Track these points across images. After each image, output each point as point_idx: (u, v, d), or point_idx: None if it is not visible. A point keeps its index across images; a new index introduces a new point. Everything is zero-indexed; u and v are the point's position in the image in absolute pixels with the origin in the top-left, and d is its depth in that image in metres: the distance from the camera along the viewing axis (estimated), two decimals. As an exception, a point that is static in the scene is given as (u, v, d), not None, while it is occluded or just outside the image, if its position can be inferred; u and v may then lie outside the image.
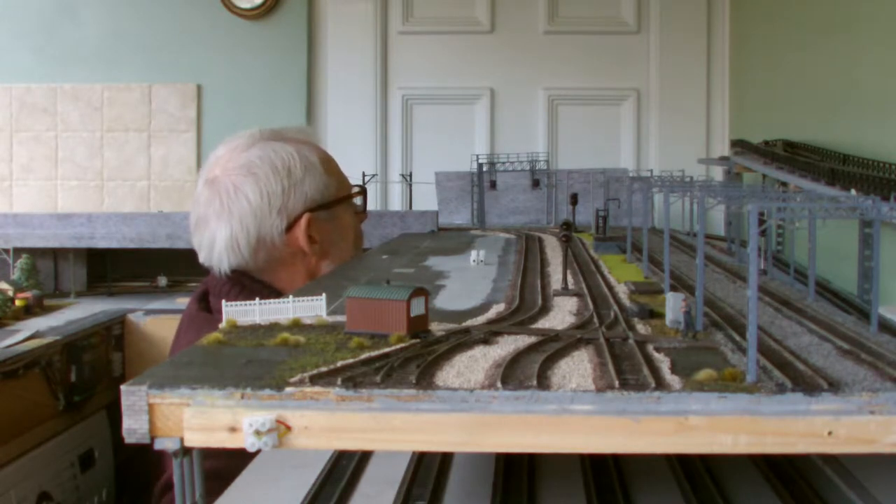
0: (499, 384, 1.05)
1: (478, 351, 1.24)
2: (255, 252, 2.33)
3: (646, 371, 1.11)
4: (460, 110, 5.20)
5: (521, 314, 1.54)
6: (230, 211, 2.33)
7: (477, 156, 4.26)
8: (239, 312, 1.43)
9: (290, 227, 2.35)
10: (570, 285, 1.82)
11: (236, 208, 2.33)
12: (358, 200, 2.61)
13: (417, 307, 1.31)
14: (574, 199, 2.94)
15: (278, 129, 2.53)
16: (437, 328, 1.37)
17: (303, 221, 2.35)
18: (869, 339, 1.33)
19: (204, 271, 2.41)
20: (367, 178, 4.45)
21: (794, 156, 3.35)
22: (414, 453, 1.44)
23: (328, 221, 2.41)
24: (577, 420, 1.02)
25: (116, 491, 3.03)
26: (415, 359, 1.17)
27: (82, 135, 5.10)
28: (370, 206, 4.67)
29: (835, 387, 1.04)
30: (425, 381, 1.07)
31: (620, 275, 2.01)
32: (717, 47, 5.12)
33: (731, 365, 1.14)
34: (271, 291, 2.30)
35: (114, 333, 3.23)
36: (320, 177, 2.44)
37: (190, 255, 2.46)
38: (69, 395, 2.71)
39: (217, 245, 2.34)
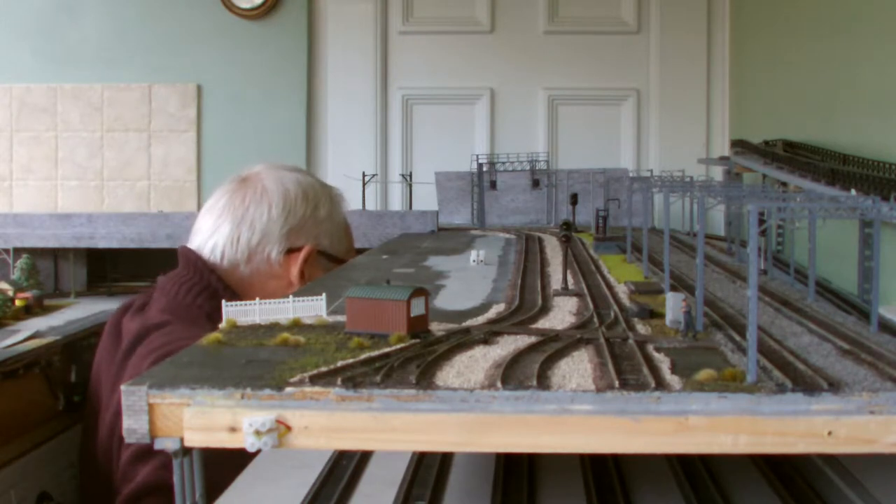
0: (499, 384, 1.05)
1: (478, 351, 1.24)
2: (248, 258, 2.34)
3: (646, 371, 1.11)
4: (460, 110, 5.20)
5: (521, 314, 1.54)
6: (247, 208, 2.37)
7: (477, 156, 4.26)
8: (239, 312, 1.43)
9: (290, 252, 2.38)
10: (570, 285, 1.82)
11: (254, 208, 2.37)
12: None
13: (417, 307, 1.31)
14: (574, 199, 2.94)
15: (323, 181, 2.62)
16: (437, 328, 1.37)
17: (304, 252, 2.38)
18: (869, 339, 1.33)
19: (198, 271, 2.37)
20: (367, 178, 4.46)
21: (794, 156, 3.35)
22: (414, 453, 1.44)
23: (319, 269, 2.43)
24: (577, 420, 1.02)
25: (116, 491, 3.02)
26: (415, 359, 1.17)
27: (82, 135, 5.10)
28: (370, 206, 4.70)
29: (835, 387, 1.04)
30: (425, 381, 1.07)
31: (620, 275, 2.01)
32: (717, 47, 5.11)
33: (731, 365, 1.14)
34: None
35: (114, 333, 3.22)
36: (338, 230, 2.51)
37: (190, 255, 2.45)
38: (69, 395, 2.70)
39: (217, 234, 2.35)
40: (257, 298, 2.30)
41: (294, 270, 2.37)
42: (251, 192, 2.39)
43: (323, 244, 2.45)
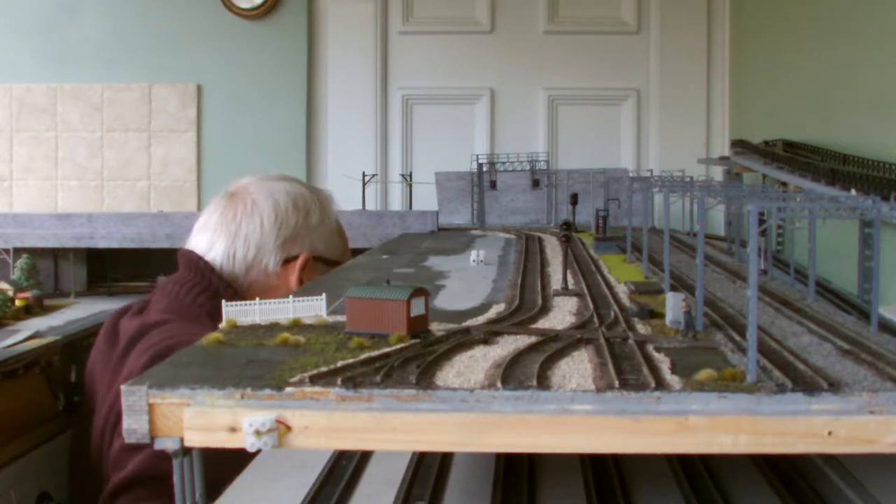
0: (499, 384, 1.05)
1: (478, 351, 1.24)
2: (246, 272, 2.37)
3: (646, 371, 1.11)
4: (460, 110, 5.19)
5: (521, 314, 1.54)
6: (239, 224, 2.39)
7: (477, 156, 4.26)
8: (239, 312, 1.43)
9: (287, 261, 2.39)
10: (570, 285, 1.82)
11: (247, 223, 2.38)
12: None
13: (417, 307, 1.31)
14: (574, 199, 2.93)
15: (311, 185, 2.66)
16: (437, 328, 1.37)
17: (300, 260, 2.40)
18: (869, 339, 1.33)
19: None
20: (367, 178, 4.46)
21: (794, 156, 3.35)
22: (414, 453, 1.44)
23: (317, 274, 2.44)
24: (577, 420, 1.02)
25: (116, 491, 3.01)
26: (415, 359, 1.17)
27: (82, 135, 5.10)
28: (370, 206, 4.70)
29: (835, 387, 1.04)
30: (425, 381, 1.07)
31: (620, 275, 2.01)
32: (717, 47, 5.11)
33: (731, 365, 1.14)
34: None
35: (114, 333, 3.22)
36: (331, 234, 2.53)
37: (190, 255, 2.45)
38: (69, 395, 2.70)
39: (213, 252, 2.37)
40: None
41: (292, 279, 2.39)
42: (241, 207, 2.41)
43: (318, 250, 2.46)
